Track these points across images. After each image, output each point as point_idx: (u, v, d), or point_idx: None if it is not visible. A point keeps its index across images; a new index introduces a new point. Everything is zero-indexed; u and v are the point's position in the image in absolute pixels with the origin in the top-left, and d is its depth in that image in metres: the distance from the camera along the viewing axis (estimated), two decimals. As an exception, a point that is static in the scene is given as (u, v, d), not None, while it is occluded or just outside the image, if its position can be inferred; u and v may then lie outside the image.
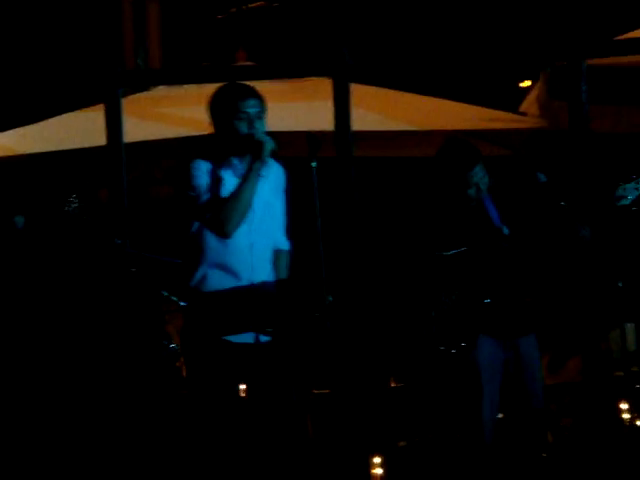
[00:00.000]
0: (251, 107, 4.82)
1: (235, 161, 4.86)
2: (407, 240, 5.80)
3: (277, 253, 5.00)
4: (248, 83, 7.77)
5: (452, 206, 5.52)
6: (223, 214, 4.74)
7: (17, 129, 8.28)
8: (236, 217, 4.75)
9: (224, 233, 4.77)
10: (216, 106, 4.92)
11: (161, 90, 8.53)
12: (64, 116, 8.43)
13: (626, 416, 6.35)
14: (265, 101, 4.92)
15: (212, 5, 11.53)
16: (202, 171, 4.82)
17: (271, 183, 4.93)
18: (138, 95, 8.62)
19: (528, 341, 5.61)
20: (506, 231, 5.46)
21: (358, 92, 7.12)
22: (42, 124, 8.35)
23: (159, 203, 9.35)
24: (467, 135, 8.09)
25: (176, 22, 11.36)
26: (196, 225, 4.85)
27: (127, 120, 6.95)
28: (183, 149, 8.10)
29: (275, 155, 4.79)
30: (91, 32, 6.93)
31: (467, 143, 5.66)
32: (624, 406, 6.37)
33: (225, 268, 4.81)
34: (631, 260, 6.78)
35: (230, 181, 4.81)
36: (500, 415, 5.78)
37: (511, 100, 9.26)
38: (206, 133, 7.88)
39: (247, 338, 4.79)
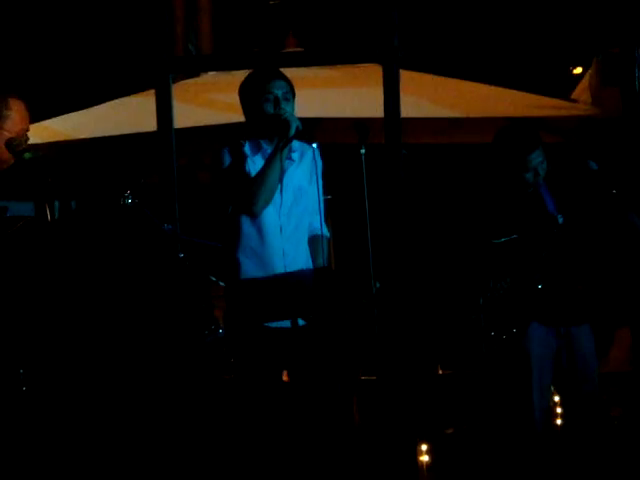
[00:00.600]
0: (277, 88, 4.94)
1: (264, 144, 4.92)
2: (456, 227, 5.78)
3: (314, 238, 5.01)
4: (298, 69, 7.82)
5: (508, 191, 5.49)
6: (250, 192, 4.83)
7: (69, 114, 8.35)
8: (263, 195, 4.82)
9: (252, 212, 4.86)
10: (244, 90, 5.06)
11: (211, 76, 8.56)
12: (115, 102, 8.49)
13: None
14: (293, 85, 4.97)
15: (263, -10, 11.53)
16: (232, 154, 4.91)
17: (304, 168, 4.96)
18: (189, 81, 8.66)
19: (582, 331, 5.56)
20: (561, 220, 5.43)
21: (407, 78, 7.09)
22: (93, 109, 8.41)
23: (208, 189, 9.39)
24: (518, 122, 8.06)
25: (227, 7, 11.38)
26: (230, 209, 4.90)
27: (177, 106, 6.98)
28: (232, 135, 8.14)
29: (302, 135, 4.82)
30: (143, 18, 6.95)
31: (528, 127, 5.65)
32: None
33: (257, 253, 4.85)
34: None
35: (259, 163, 4.87)
36: (556, 399, 5.73)
37: (563, 87, 9.18)
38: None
39: (284, 323, 4.81)
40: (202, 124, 7.81)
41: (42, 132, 7.89)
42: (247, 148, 4.93)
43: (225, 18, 11.23)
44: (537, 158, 5.45)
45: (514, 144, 5.48)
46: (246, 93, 5.02)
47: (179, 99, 7.22)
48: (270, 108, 4.89)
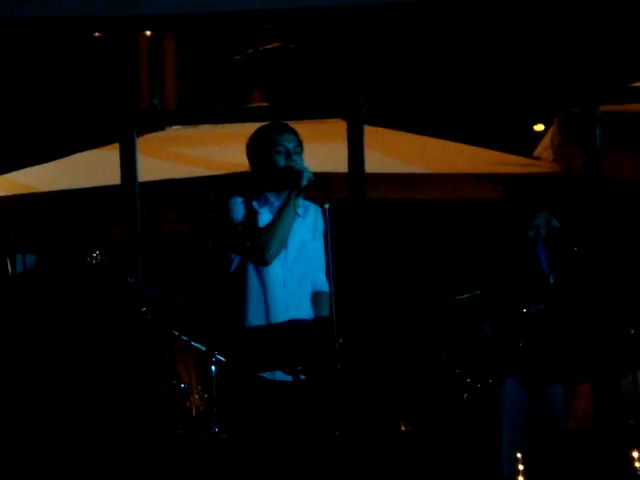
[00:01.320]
0: (288, 141, 4.91)
1: (271, 197, 4.92)
2: (420, 282, 5.79)
3: (318, 295, 5.00)
4: (262, 124, 7.86)
5: (507, 244, 5.51)
6: (262, 241, 4.81)
7: (33, 167, 8.33)
8: (275, 244, 4.81)
9: (263, 261, 4.83)
10: (254, 143, 5.02)
11: (176, 130, 8.58)
12: (79, 155, 8.48)
13: (639, 465, 6.30)
14: (301, 139, 4.99)
15: (229, 46, 11.61)
16: (239, 205, 4.91)
17: (308, 224, 4.97)
18: (153, 134, 8.67)
19: (556, 390, 5.56)
20: (552, 280, 5.47)
21: (372, 134, 7.14)
22: (58, 162, 8.40)
23: (172, 242, 9.37)
24: (480, 178, 8.13)
25: (192, 62, 11.43)
26: (236, 261, 4.90)
27: (142, 159, 6.99)
28: (197, 189, 8.14)
29: (314, 186, 4.82)
30: (107, 71, 6.97)
31: (542, 186, 5.69)
32: (637, 455, 6.31)
33: (261, 305, 4.84)
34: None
35: (266, 216, 4.87)
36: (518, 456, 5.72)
37: (525, 144, 9.27)
38: (221, 173, 7.97)
39: (283, 376, 4.81)
40: (166, 177, 7.81)
41: (5, 184, 7.86)
42: (255, 203, 4.93)
43: (190, 72, 11.29)
44: (543, 217, 5.49)
45: (525, 199, 5.52)
46: (256, 146, 5.01)
47: (143, 153, 7.23)
48: (281, 160, 4.89)
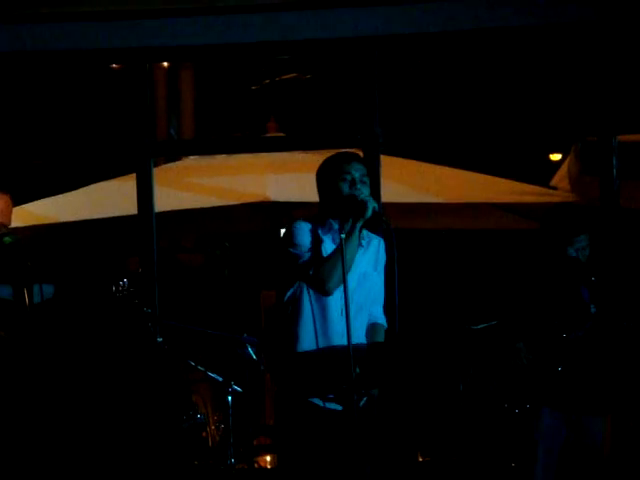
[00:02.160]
0: (355, 170, 4.92)
1: (335, 226, 4.91)
2: (436, 313, 5.77)
3: (373, 327, 5.00)
4: (279, 153, 7.86)
5: (549, 270, 5.50)
6: (325, 271, 4.80)
7: (51, 197, 8.35)
8: (337, 274, 4.79)
9: (325, 290, 4.83)
10: (322, 171, 5.03)
11: (192, 160, 8.61)
12: (97, 185, 8.50)
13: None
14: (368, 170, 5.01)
15: (245, 76, 11.66)
16: (304, 231, 4.91)
17: (370, 255, 4.96)
18: (170, 165, 8.70)
19: (594, 422, 5.52)
20: (593, 310, 5.46)
21: (388, 164, 7.15)
22: (75, 193, 8.42)
23: (188, 271, 9.38)
24: (497, 208, 8.12)
25: (209, 92, 11.48)
26: (296, 285, 4.90)
27: (158, 189, 7.01)
28: (213, 218, 8.15)
29: (378, 218, 4.82)
30: (125, 101, 7.00)
31: (580, 209, 5.70)
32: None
33: (318, 332, 4.84)
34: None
35: (329, 244, 4.87)
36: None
37: (542, 173, 9.26)
38: (237, 203, 7.97)
39: (335, 405, 4.80)
40: (183, 207, 7.83)
41: (23, 215, 7.88)
42: (319, 229, 4.93)
43: (207, 102, 11.33)
44: (583, 241, 5.49)
45: (565, 222, 5.54)
46: (324, 173, 5.01)
47: (160, 183, 7.25)
48: (347, 188, 4.88)
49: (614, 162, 6.62)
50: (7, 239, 4.83)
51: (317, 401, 4.81)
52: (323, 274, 4.81)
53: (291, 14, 6.75)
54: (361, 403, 4.80)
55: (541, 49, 7.32)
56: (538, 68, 10.04)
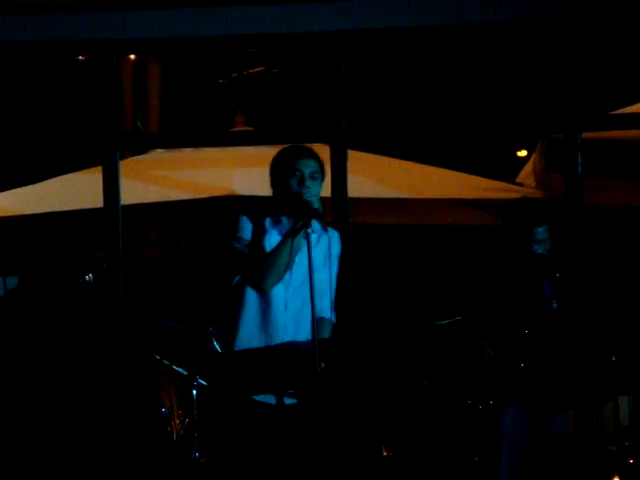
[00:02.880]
0: (305, 166, 4.88)
1: (284, 220, 4.90)
2: (401, 308, 5.79)
3: (319, 321, 4.97)
4: (246, 147, 7.85)
5: (510, 266, 5.51)
6: (262, 269, 4.80)
7: (16, 189, 8.30)
8: (274, 273, 4.80)
9: (260, 288, 4.83)
10: (274, 164, 5.00)
11: (159, 153, 8.58)
12: (62, 177, 8.46)
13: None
14: (323, 165, 4.97)
15: (213, 69, 11.63)
16: (248, 225, 4.90)
17: (320, 249, 4.93)
18: (136, 157, 8.67)
19: (557, 417, 5.54)
20: (555, 305, 5.48)
21: (355, 158, 7.15)
22: (40, 185, 8.37)
23: (153, 265, 9.35)
24: (462, 204, 8.15)
25: (176, 85, 11.45)
26: (236, 279, 4.89)
27: (124, 182, 6.98)
28: (179, 212, 8.13)
29: (320, 219, 4.81)
30: (91, 94, 6.97)
31: (538, 202, 5.72)
32: (617, 480, 6.31)
33: (259, 326, 4.83)
34: (625, 334, 6.77)
35: (275, 238, 4.86)
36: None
37: (508, 170, 9.30)
38: (203, 196, 7.95)
39: (270, 399, 4.79)
40: (149, 201, 7.80)
41: (-13, 207, 7.83)
42: (267, 222, 4.93)
43: (174, 95, 11.30)
44: (543, 233, 5.51)
45: (524, 215, 5.54)
46: (275, 167, 4.99)
47: (126, 175, 7.22)
48: (295, 185, 4.86)
49: (579, 159, 6.65)
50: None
51: (255, 397, 4.78)
52: (259, 272, 4.80)
53: (259, 8, 6.74)
54: (287, 401, 4.78)
55: (507, 46, 7.35)
56: (504, 65, 10.09)
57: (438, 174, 8.35)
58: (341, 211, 6.74)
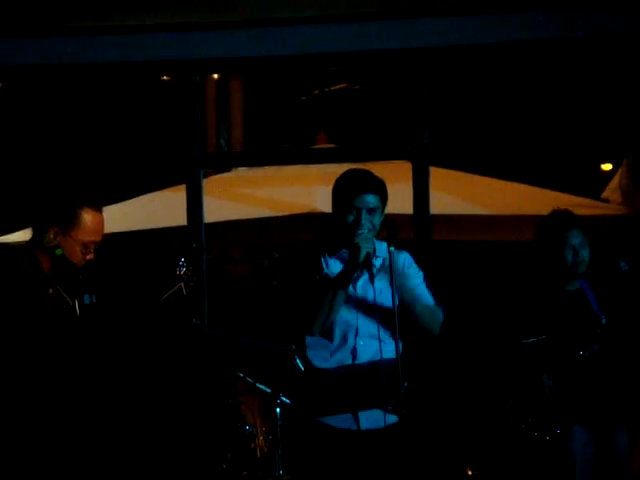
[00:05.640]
0: (363, 203, 4.77)
1: (345, 254, 4.84)
2: (486, 326, 5.74)
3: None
4: (329, 165, 7.87)
5: (553, 288, 5.47)
6: (310, 315, 4.78)
7: (104, 208, 8.41)
8: (321, 320, 4.75)
9: (310, 332, 4.83)
10: (334, 193, 4.91)
11: (242, 171, 8.64)
12: (147, 196, 8.56)
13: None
14: (385, 192, 4.86)
15: (295, 87, 11.69)
16: (322, 266, 4.85)
17: (383, 279, 4.80)
18: (219, 176, 8.74)
19: (620, 435, 5.52)
20: (604, 320, 5.41)
21: (437, 175, 7.13)
22: (126, 204, 8.48)
23: (236, 282, 9.40)
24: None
25: (259, 103, 11.53)
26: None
27: (208, 200, 7.04)
28: (261, 229, 8.18)
29: (369, 261, 4.73)
30: (175, 113, 7.05)
31: (568, 212, 5.67)
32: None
33: (327, 350, 4.82)
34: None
35: (336, 268, 4.82)
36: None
37: (593, 185, 9.19)
38: (286, 214, 7.98)
39: (348, 424, 4.76)
40: (232, 218, 7.85)
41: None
42: (322, 261, 4.86)
43: (257, 114, 11.37)
44: (577, 237, 5.46)
45: (553, 223, 5.56)
46: (334, 196, 4.89)
47: (209, 194, 7.28)
48: (350, 220, 4.75)
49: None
50: (58, 251, 4.87)
51: (331, 421, 4.75)
52: (309, 318, 4.77)
53: (340, 25, 6.75)
54: (365, 426, 4.72)
55: (595, 60, 7.26)
56: (590, 78, 9.97)
57: (521, 190, 8.28)
58: (423, 228, 6.72)
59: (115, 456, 5.46)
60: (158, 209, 8.19)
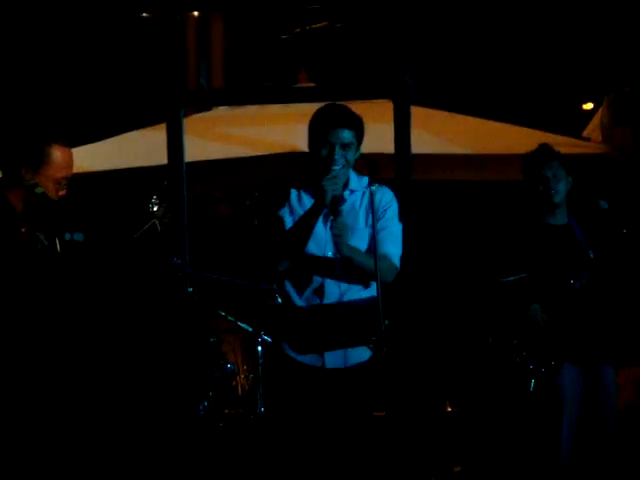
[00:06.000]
0: (338, 138, 4.78)
1: (309, 194, 4.84)
2: (466, 264, 5.78)
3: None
4: (309, 104, 7.83)
5: (536, 221, 5.52)
6: (274, 253, 4.77)
7: (80, 147, 8.37)
8: (286, 258, 4.76)
9: (273, 269, 4.81)
10: (310, 127, 4.90)
11: (222, 110, 8.59)
12: (126, 135, 8.52)
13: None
14: (361, 128, 4.85)
15: (276, 25, 11.60)
16: (282, 203, 4.84)
17: (362, 210, 4.84)
18: (200, 115, 8.69)
19: (607, 371, 5.59)
20: (592, 255, 5.47)
21: (419, 114, 7.10)
22: (105, 142, 8.44)
23: (218, 222, 9.41)
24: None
25: (239, 42, 11.44)
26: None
27: (188, 139, 7.00)
28: (243, 169, 8.16)
29: (335, 203, 4.71)
30: (155, 51, 6.99)
31: (547, 146, 5.79)
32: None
33: (301, 289, 4.81)
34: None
35: (297, 215, 4.80)
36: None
37: (574, 124, 9.19)
38: (267, 153, 7.97)
39: (315, 361, 4.78)
40: (213, 158, 7.83)
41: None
42: (294, 196, 4.85)
43: (237, 53, 11.29)
44: (550, 169, 5.54)
45: (531, 157, 5.71)
46: (310, 130, 4.89)
47: (190, 133, 7.24)
48: (324, 154, 4.76)
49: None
50: (38, 189, 4.86)
51: (298, 358, 4.76)
52: (273, 255, 4.76)
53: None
54: (330, 364, 4.74)
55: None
56: (572, 17, 9.93)
57: (502, 129, 8.28)
58: (404, 168, 6.70)
59: (95, 398, 5.49)
60: (138, 148, 8.16)
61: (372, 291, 4.84)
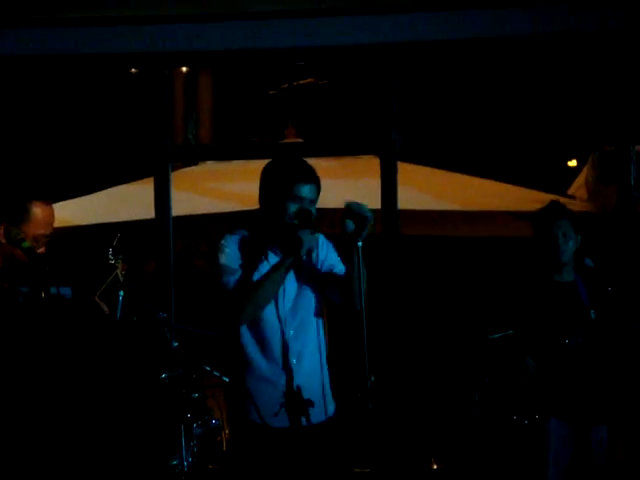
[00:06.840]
0: (307, 193, 4.60)
1: (274, 249, 4.65)
2: (452, 321, 5.78)
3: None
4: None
5: (543, 277, 5.52)
6: (239, 302, 4.58)
7: (69, 201, 8.39)
8: (250, 308, 4.57)
9: (236, 321, 4.63)
10: (270, 179, 4.72)
11: (210, 165, 8.63)
12: (114, 189, 8.53)
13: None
14: (320, 182, 4.71)
15: (263, 81, 11.68)
16: (235, 249, 4.65)
17: (313, 259, 4.70)
18: (187, 169, 8.72)
19: (599, 430, 5.52)
20: (593, 315, 5.45)
21: (405, 171, 7.15)
22: (93, 196, 8.46)
23: (204, 276, 9.39)
24: (513, 216, 8.12)
25: (227, 97, 11.51)
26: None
27: (176, 193, 7.02)
28: (229, 223, 8.17)
29: (310, 251, 4.65)
30: (144, 106, 7.03)
31: (559, 203, 5.76)
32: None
33: (260, 345, 4.70)
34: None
35: (269, 261, 4.64)
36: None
37: (559, 182, 9.25)
38: (254, 208, 7.97)
39: (284, 422, 4.69)
40: (199, 212, 7.84)
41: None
42: (255, 241, 4.62)
43: (225, 108, 11.35)
44: (561, 227, 5.52)
45: (542, 213, 5.64)
46: (270, 183, 4.67)
47: (177, 187, 7.27)
48: (294, 209, 4.55)
49: (632, 171, 6.61)
50: (25, 244, 4.85)
51: (267, 421, 4.61)
52: (236, 305, 4.55)
53: (309, 20, 6.76)
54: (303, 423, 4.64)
55: (561, 57, 7.31)
56: (557, 76, 10.03)
57: (487, 186, 8.33)
58: (391, 223, 6.74)
59: (76, 448, 5.45)
60: (126, 202, 8.17)
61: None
